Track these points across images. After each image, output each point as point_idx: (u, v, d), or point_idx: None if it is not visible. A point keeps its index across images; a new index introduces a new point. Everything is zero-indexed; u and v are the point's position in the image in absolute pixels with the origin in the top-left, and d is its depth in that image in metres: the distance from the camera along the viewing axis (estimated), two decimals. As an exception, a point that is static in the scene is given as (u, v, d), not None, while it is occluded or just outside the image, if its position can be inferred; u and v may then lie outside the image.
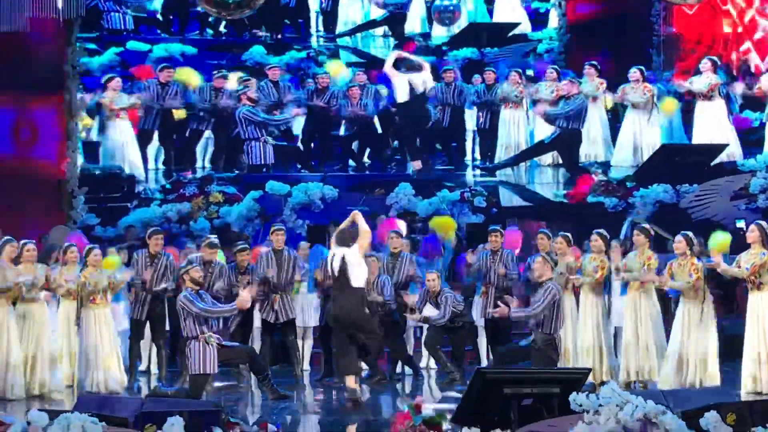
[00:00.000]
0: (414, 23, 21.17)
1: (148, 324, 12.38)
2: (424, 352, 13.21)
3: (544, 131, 17.08)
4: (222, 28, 20.30)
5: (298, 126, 17.43)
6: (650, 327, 11.46)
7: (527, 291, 12.23)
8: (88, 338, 11.65)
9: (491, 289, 12.48)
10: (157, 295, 12.18)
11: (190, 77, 16.84)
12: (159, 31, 20.29)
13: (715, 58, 17.15)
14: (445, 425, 7.77)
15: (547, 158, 17.65)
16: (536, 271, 10.86)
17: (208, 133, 17.30)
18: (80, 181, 15.41)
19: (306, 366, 13.18)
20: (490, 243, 12.61)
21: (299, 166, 17.09)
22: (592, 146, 17.12)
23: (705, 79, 16.60)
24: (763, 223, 10.98)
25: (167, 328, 12.59)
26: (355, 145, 17.43)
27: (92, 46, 18.72)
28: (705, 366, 11.07)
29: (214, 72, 17.10)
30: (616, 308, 12.37)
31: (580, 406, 7.02)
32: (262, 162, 16.37)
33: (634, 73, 16.79)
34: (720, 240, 11.41)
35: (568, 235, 12.20)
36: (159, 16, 20.51)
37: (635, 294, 11.51)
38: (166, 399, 9.49)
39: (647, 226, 11.80)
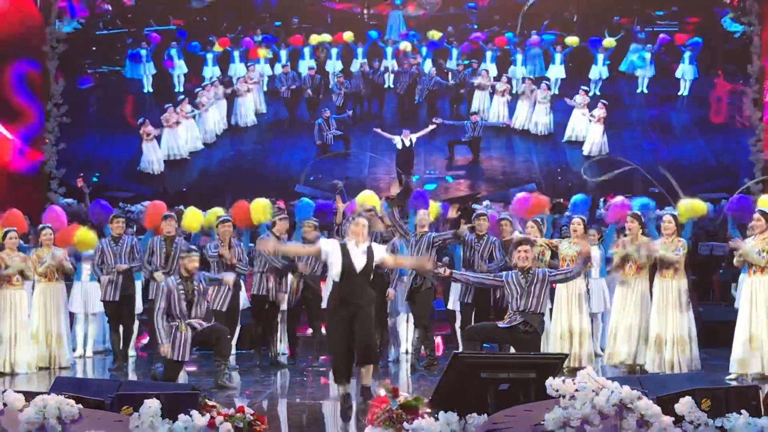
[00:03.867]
0: None
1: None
2: (404, 338, 13.22)
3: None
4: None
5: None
6: (639, 311, 11.51)
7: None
8: (3, 319, 11.84)
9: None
10: (128, 275, 12.23)
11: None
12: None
13: None
14: (422, 409, 7.74)
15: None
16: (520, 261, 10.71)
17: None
18: (58, 163, 15.38)
19: (284, 349, 13.20)
20: (476, 228, 12.41)
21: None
22: None
23: None
24: None
25: (139, 309, 12.90)
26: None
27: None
28: (683, 346, 11.10)
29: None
30: (595, 293, 12.41)
31: (557, 391, 7.05)
32: None
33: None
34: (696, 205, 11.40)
35: (538, 220, 12.20)
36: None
37: (632, 280, 11.53)
38: (143, 381, 9.45)
39: (639, 213, 11.77)
